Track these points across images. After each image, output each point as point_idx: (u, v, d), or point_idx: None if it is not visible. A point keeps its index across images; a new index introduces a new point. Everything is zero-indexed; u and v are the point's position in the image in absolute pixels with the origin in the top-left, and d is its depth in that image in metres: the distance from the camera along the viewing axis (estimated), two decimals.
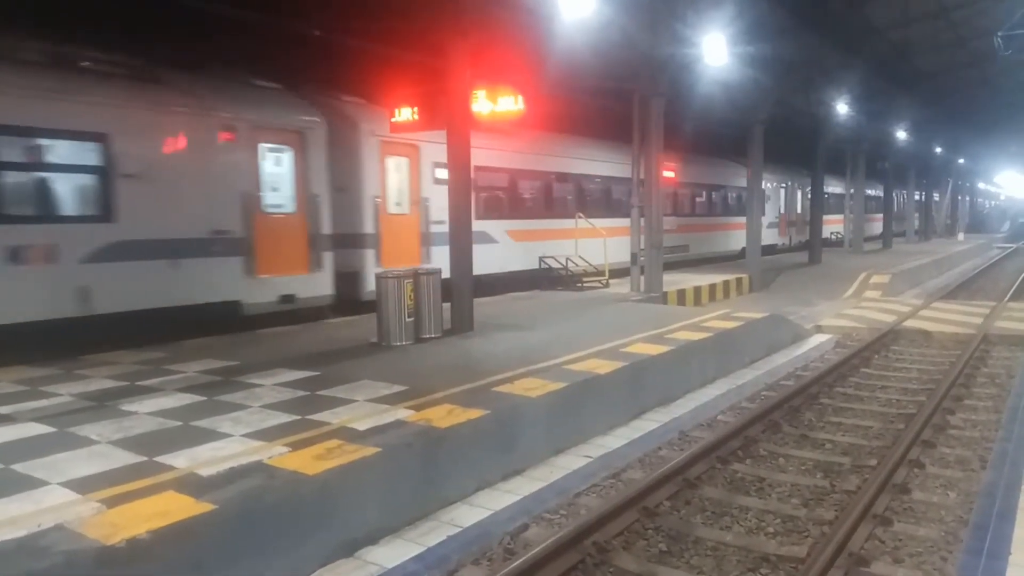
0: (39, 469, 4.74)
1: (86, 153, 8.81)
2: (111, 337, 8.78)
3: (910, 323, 12.76)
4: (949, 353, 10.80)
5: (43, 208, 8.62)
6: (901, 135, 30.20)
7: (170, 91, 9.71)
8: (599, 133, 19.09)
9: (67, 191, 8.88)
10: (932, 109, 31.53)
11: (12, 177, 8.36)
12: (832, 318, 13.62)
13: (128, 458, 4.96)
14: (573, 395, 6.87)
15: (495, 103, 11.98)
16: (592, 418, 6.98)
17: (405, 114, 11.55)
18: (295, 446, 5.16)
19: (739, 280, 18.66)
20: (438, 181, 12.94)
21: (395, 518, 4.92)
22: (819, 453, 6.66)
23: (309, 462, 4.84)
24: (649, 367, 8.12)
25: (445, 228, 10.58)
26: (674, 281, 16.68)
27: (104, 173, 8.90)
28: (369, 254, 12.29)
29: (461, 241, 10.03)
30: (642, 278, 14.86)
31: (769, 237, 27.77)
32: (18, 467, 4.78)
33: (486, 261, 13.64)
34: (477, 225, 12.57)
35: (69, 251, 8.55)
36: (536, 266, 15.44)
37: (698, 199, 24.22)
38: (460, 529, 4.92)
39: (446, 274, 9.85)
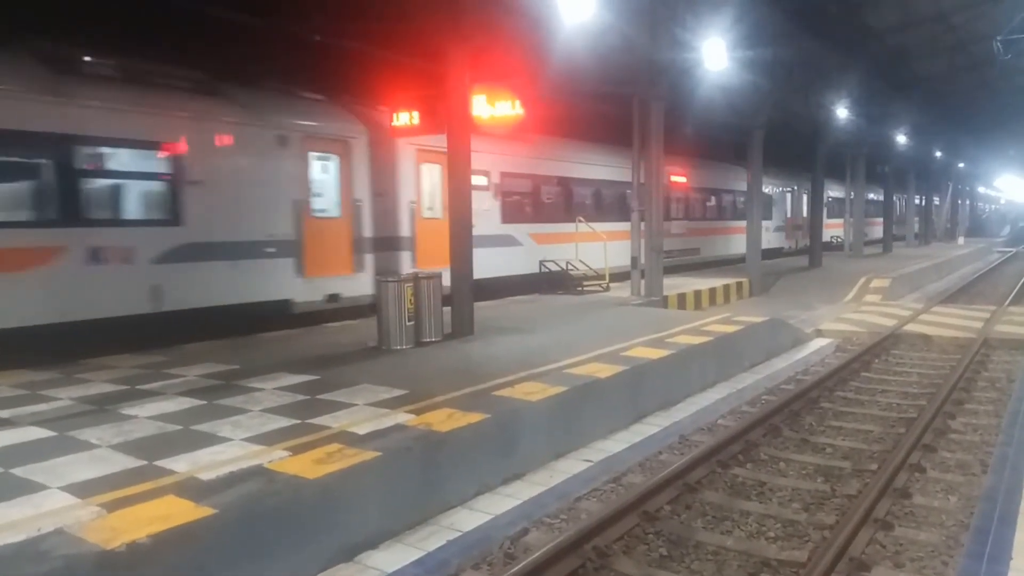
0: (39, 473, 4.74)
1: (157, 162, 9.56)
2: (179, 333, 9.38)
3: (910, 327, 12.76)
4: (949, 357, 10.79)
5: (121, 212, 9.45)
6: (901, 139, 30.22)
7: (231, 104, 10.43)
8: (615, 139, 19.29)
9: (141, 197, 9.64)
10: (931, 113, 31.57)
11: (95, 184, 9.14)
12: (832, 322, 13.61)
13: (128, 462, 4.96)
14: (573, 399, 6.87)
15: (494, 107, 12.00)
16: (592, 422, 6.97)
17: (405, 118, 11.58)
18: (295, 450, 5.16)
19: (739, 284, 18.67)
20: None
21: (395, 522, 4.91)
22: (820, 457, 6.65)
23: (309, 466, 4.84)
24: (649, 371, 8.11)
25: (477, 231, 11.20)
26: (674, 285, 16.68)
27: (173, 180, 9.65)
28: (406, 256, 12.93)
29: (461, 245, 10.04)
30: (642, 282, 14.86)
31: (776, 240, 28.75)
32: (18, 471, 4.78)
33: (511, 264, 14.65)
34: (503, 229, 14.53)
35: (143, 252, 9.25)
36: (560, 268, 15.96)
37: (708, 203, 24.72)
38: (460, 533, 4.91)
39: (477, 276, 10.38)
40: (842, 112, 22.87)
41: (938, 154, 38.56)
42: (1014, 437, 6.78)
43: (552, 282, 15.94)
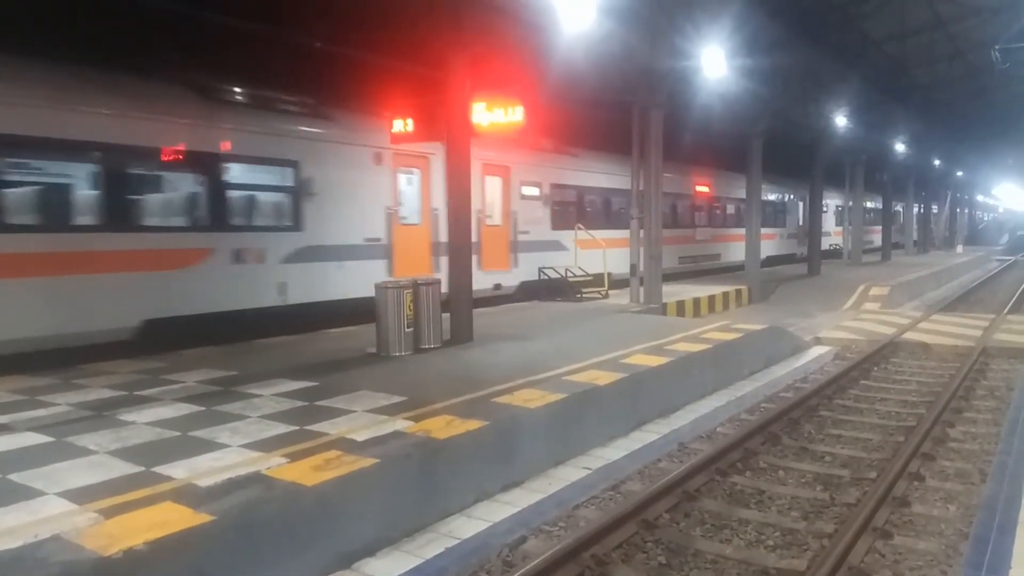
0: (36, 479, 4.73)
1: (284, 176, 11.10)
2: (301, 324, 10.84)
3: (909, 335, 12.76)
4: (948, 366, 10.79)
5: (257, 220, 10.91)
6: (899, 147, 30.30)
7: (337, 126, 11.92)
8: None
9: (271, 207, 11.17)
10: (930, 121, 31.67)
11: (237, 195, 10.62)
12: (831, 330, 13.62)
13: (126, 468, 4.95)
14: (572, 406, 6.86)
15: (494, 114, 12.03)
16: (591, 429, 6.96)
17: (407, 125, 11.60)
18: (293, 457, 5.15)
19: (738, 292, 18.68)
20: (524, 197, 15.78)
21: (393, 530, 4.90)
22: (819, 466, 6.65)
23: (307, 473, 4.83)
24: (648, 378, 8.11)
25: (529, 236, 14.23)
26: (673, 292, 16.70)
27: (295, 193, 11.18)
28: (472, 259, 13.28)
29: (460, 251, 10.04)
30: (641, 289, 14.87)
31: (789, 247, 30.56)
32: (15, 477, 4.77)
33: (559, 267, 16.19)
34: (552, 235, 16.39)
35: (273, 254, 10.79)
36: (598, 270, 16.99)
37: (729, 212, 26.27)
38: (458, 541, 4.89)
39: (525, 277, 12.45)
40: (841, 120, 22.95)
41: (937, 162, 38.65)
42: (1013, 446, 6.77)
43: (548, 289, 15.98)
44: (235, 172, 10.48)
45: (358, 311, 11.06)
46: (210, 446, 5.41)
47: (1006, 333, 12.69)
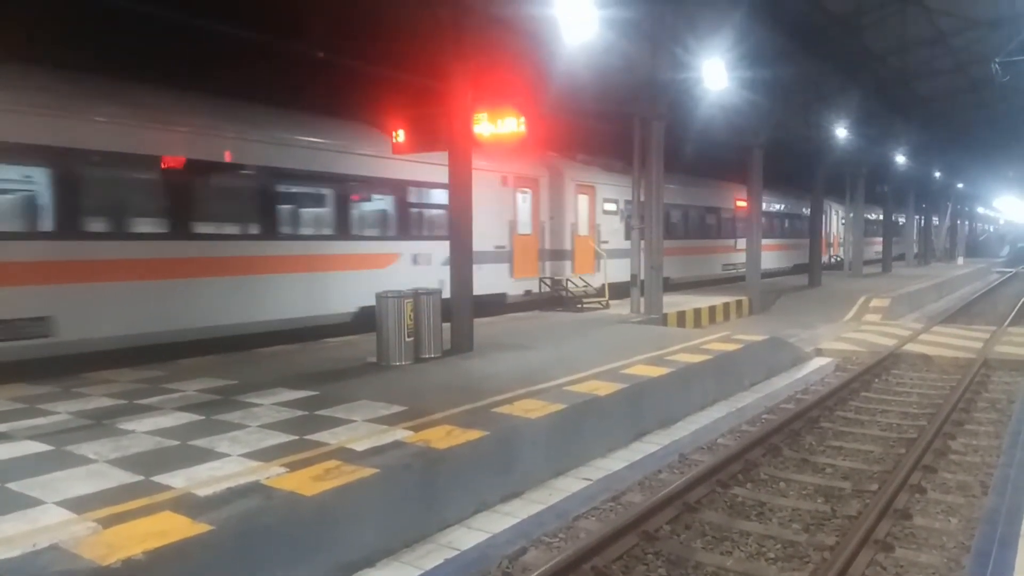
0: (35, 488, 4.72)
1: (444, 197, 12.23)
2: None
3: (910, 347, 12.75)
4: (949, 378, 10.78)
5: (428, 231, 13.58)
6: (900, 159, 30.37)
7: (477, 155, 13.45)
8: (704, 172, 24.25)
9: (434, 220, 13.67)
10: (931, 134, 31.75)
11: (414, 212, 13.48)
12: (832, 341, 13.60)
13: (125, 477, 4.94)
14: (573, 417, 6.85)
15: (496, 125, 12.09)
16: (592, 440, 6.95)
17: (407, 136, 11.62)
18: (293, 466, 5.14)
19: (739, 302, 18.67)
20: (606, 212, 18.80)
21: (393, 540, 4.88)
22: (820, 477, 6.63)
23: (307, 483, 4.82)
24: (649, 389, 8.10)
25: (610, 246, 17.81)
26: (674, 303, 16.70)
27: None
28: (567, 264, 17.24)
29: (461, 261, 10.05)
30: (642, 299, 14.86)
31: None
32: (14, 486, 4.76)
33: (626, 272, 18.15)
34: (624, 244, 18.19)
35: (436, 258, 13.25)
36: (689, 273, 20.59)
37: (772, 223, 28.83)
38: (458, 552, 4.87)
39: (619, 277, 15.95)
40: (842, 132, 23.01)
41: (937, 174, 38.71)
42: (1015, 458, 6.75)
43: (549, 299, 16.05)
44: (413, 194, 13.36)
45: (490, 305, 13.99)
46: (209, 455, 5.40)
47: (1007, 345, 12.68)
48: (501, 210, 15.15)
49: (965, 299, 24.00)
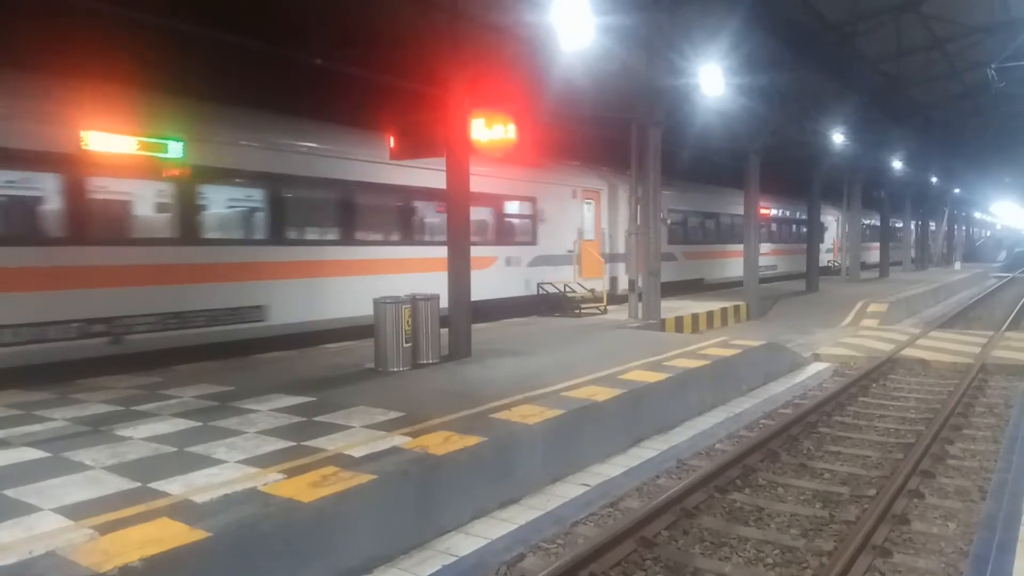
0: (31, 495, 4.70)
1: (529, 208, 16.22)
2: (539, 308, 15.81)
3: (908, 352, 12.76)
4: (947, 382, 10.78)
5: (516, 237, 15.99)
6: (897, 164, 30.45)
7: (553, 172, 16.69)
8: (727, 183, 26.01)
9: (522, 228, 16.21)
10: (927, 139, 31.84)
11: (506, 222, 15.81)
12: (830, 346, 13.61)
13: (122, 484, 4.93)
14: (571, 422, 6.84)
15: (492, 131, 12.09)
16: (590, 446, 6.94)
17: (403, 141, 11.60)
18: (290, 473, 5.13)
19: (737, 308, 18.69)
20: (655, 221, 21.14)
21: (390, 547, 4.88)
22: (818, 483, 6.62)
23: (304, 489, 4.81)
24: (647, 395, 8.10)
25: (664, 250, 18.24)
26: (672, 308, 16.71)
27: (533, 219, 16.33)
28: (622, 266, 18.84)
29: (458, 267, 10.05)
30: (640, 305, 14.87)
31: (823, 260, 33.83)
32: (10, 492, 4.74)
33: (670, 272, 20.97)
34: (668, 248, 20.75)
35: (524, 260, 15.86)
36: (698, 275, 22.17)
37: (783, 229, 31.52)
38: (456, 559, 4.87)
39: (671, 277, 19.88)
40: (838, 138, 23.09)
41: (934, 180, 38.82)
42: (1012, 463, 6.76)
43: (546, 304, 16.05)
44: (507, 206, 15.87)
45: (561, 301, 16.20)
46: (207, 462, 5.39)
47: (1005, 350, 12.69)
48: (571, 219, 17.49)
49: (962, 304, 24.02)
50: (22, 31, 9.39)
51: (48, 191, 8.82)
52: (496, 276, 14.80)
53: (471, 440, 5.94)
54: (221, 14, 10.49)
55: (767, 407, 9.40)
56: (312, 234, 11.88)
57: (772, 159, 21.48)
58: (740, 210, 25.68)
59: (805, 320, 17.97)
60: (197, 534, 4.10)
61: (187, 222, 10.05)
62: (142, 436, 6.11)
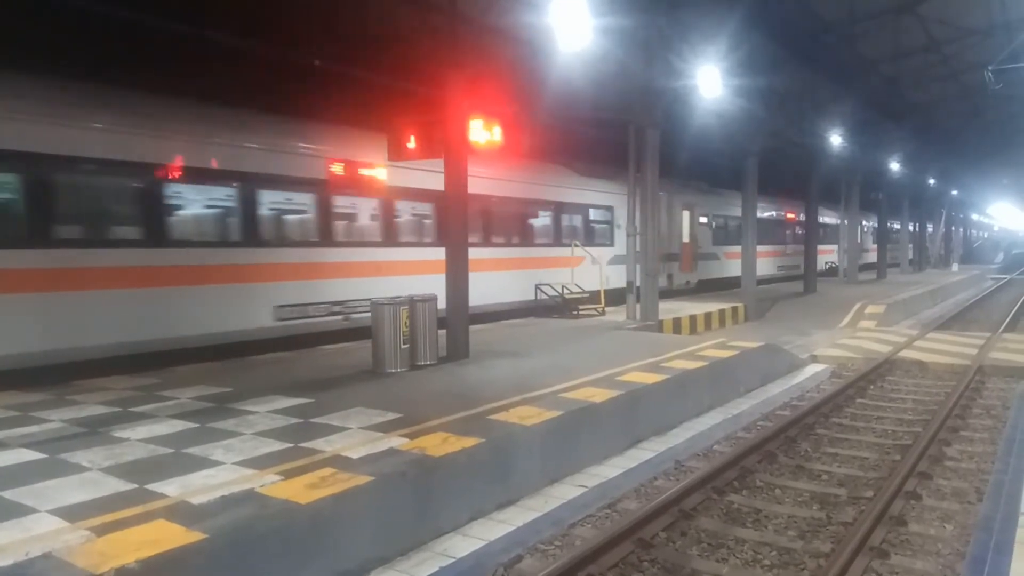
0: (28, 496, 4.70)
1: (607, 215, 19.04)
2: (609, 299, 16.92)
3: (905, 353, 12.77)
4: (944, 384, 10.80)
5: (597, 239, 18.58)
6: (894, 166, 30.48)
7: (623, 184, 16.56)
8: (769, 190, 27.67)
9: (602, 232, 18.95)
10: (925, 141, 31.86)
11: (592, 226, 18.68)
12: (827, 348, 13.63)
13: (119, 485, 4.92)
14: (568, 424, 6.84)
15: (492, 133, 12.09)
16: (587, 447, 6.94)
17: (407, 143, 11.61)
18: (287, 474, 5.12)
19: (735, 309, 18.69)
20: (700, 224, 24.05)
21: (388, 548, 4.87)
22: (815, 484, 6.63)
23: (301, 491, 4.80)
24: (645, 396, 8.10)
25: (702, 250, 23.95)
26: (670, 309, 16.71)
27: (611, 224, 19.07)
28: (675, 265, 22.33)
29: (457, 268, 10.05)
30: (638, 306, 14.87)
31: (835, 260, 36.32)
32: (7, 494, 4.73)
33: (713, 270, 24.95)
34: (711, 249, 24.82)
35: (603, 259, 17.63)
36: (736, 273, 23.27)
37: (792, 232, 33.54)
38: (453, 560, 4.87)
39: (702, 277, 23.91)
40: (836, 140, 23.11)
41: (932, 181, 38.86)
42: (1009, 465, 6.77)
43: (545, 306, 16.09)
44: (592, 213, 18.59)
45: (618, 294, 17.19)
46: (204, 463, 5.39)
47: (1002, 352, 12.71)
48: (672, 225, 21.13)
49: (960, 305, 24.07)
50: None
51: (309, 205, 11.63)
52: (585, 273, 17.13)
53: (469, 441, 5.94)
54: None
55: (765, 408, 9.41)
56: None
57: (766, 161, 21.51)
58: (766, 214, 29.42)
59: (803, 322, 17.99)
60: (194, 536, 4.09)
61: (389, 229, 12.87)
62: (139, 437, 6.10)
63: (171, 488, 4.85)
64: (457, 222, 10.10)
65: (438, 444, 5.86)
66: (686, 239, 22.92)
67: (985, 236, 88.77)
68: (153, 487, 4.87)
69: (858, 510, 5.89)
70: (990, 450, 7.49)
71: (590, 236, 18.26)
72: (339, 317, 11.89)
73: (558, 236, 17.28)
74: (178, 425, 6.53)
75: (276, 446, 5.84)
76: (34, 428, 6.43)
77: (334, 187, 11.85)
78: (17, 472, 5.21)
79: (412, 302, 9.28)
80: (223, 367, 9.48)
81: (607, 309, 16.27)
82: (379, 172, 12.56)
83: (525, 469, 6.19)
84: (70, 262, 8.69)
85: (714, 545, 5.32)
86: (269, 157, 10.98)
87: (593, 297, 16.50)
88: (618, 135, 15.25)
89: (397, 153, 11.40)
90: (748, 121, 18.84)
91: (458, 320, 10.03)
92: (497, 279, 14.97)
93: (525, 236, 16.49)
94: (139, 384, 8.36)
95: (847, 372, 11.77)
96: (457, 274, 10.05)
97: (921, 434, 7.77)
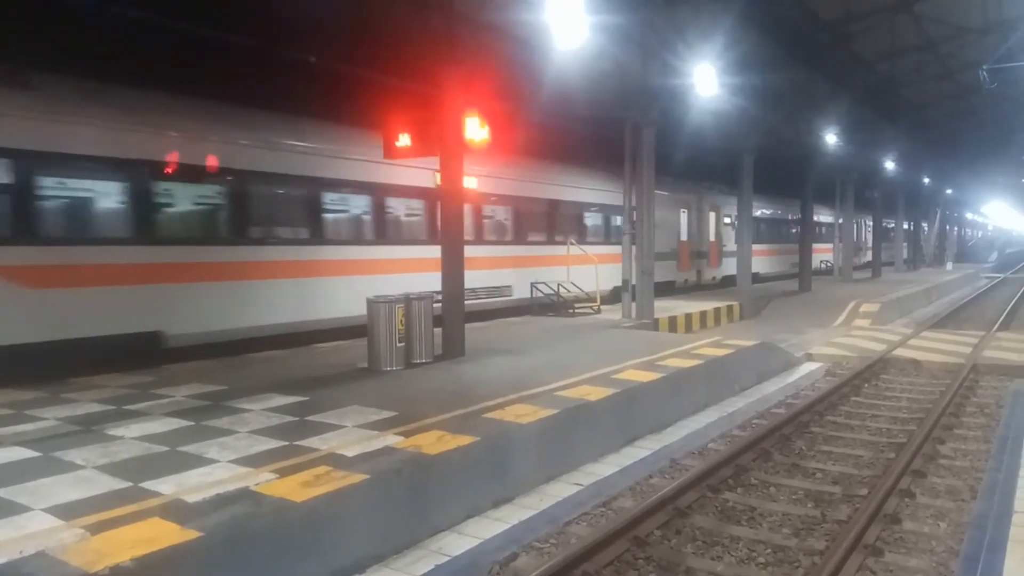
0: (22, 494, 4.68)
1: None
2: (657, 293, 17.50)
3: (900, 352, 12.81)
4: (939, 382, 10.83)
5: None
6: (889, 165, 30.57)
7: (660, 186, 17.70)
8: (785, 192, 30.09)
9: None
10: (919, 140, 31.97)
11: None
12: (822, 346, 13.66)
13: (113, 483, 4.91)
14: (564, 422, 6.85)
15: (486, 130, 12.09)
16: (583, 445, 6.95)
17: (402, 140, 11.59)
18: (283, 472, 5.11)
19: (730, 307, 18.73)
20: (725, 224, 25.94)
21: (383, 547, 4.87)
22: (810, 482, 6.65)
23: (296, 489, 4.80)
24: (640, 394, 8.11)
25: (726, 248, 25.74)
26: (665, 308, 16.74)
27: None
28: (704, 261, 24.63)
29: (452, 266, 10.04)
30: (633, 304, 14.88)
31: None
32: (1, 492, 4.72)
33: (756, 266, 25.82)
34: (734, 247, 24.29)
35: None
36: (771, 270, 27.28)
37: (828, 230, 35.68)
38: (449, 558, 4.86)
39: (726, 273, 25.58)
40: (832, 139, 23.17)
41: (926, 180, 38.98)
42: (1003, 463, 6.79)
43: (541, 304, 16.10)
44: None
45: (661, 289, 18.83)
46: (199, 461, 5.38)
47: (996, 350, 12.76)
48: (673, 224, 22.04)
49: (954, 304, 24.13)
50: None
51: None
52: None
53: (464, 439, 5.94)
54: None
55: (760, 406, 9.43)
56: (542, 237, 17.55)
57: (762, 159, 21.56)
58: (790, 214, 31.55)
59: (798, 320, 18.03)
60: (189, 534, 4.09)
61: (518, 230, 16.36)
62: (134, 435, 6.09)
63: (166, 486, 4.84)
64: (453, 220, 10.08)
65: (433, 442, 5.86)
66: (712, 238, 25.31)
67: (979, 235, 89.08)
68: (148, 485, 4.86)
69: (852, 508, 5.91)
70: (984, 448, 7.52)
71: (605, 232, 20.72)
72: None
73: (608, 235, 19.94)
74: (173, 423, 6.51)
75: (271, 444, 5.84)
76: (28, 426, 6.41)
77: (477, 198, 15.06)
78: (11, 470, 5.19)
79: (408, 300, 9.27)
80: (218, 365, 9.46)
81: (602, 307, 16.28)
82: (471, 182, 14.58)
83: (521, 467, 6.20)
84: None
85: (709, 543, 5.33)
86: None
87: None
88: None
89: (390, 151, 11.37)
90: (744, 119, 18.86)
91: (454, 318, 10.02)
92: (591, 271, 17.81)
93: (586, 235, 19.54)
94: (134, 382, 8.34)
95: (842, 370, 11.80)
96: (453, 271, 10.04)
97: (915, 432, 7.79)
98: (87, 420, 6.61)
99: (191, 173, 10.13)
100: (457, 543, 5.09)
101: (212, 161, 10.38)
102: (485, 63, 11.08)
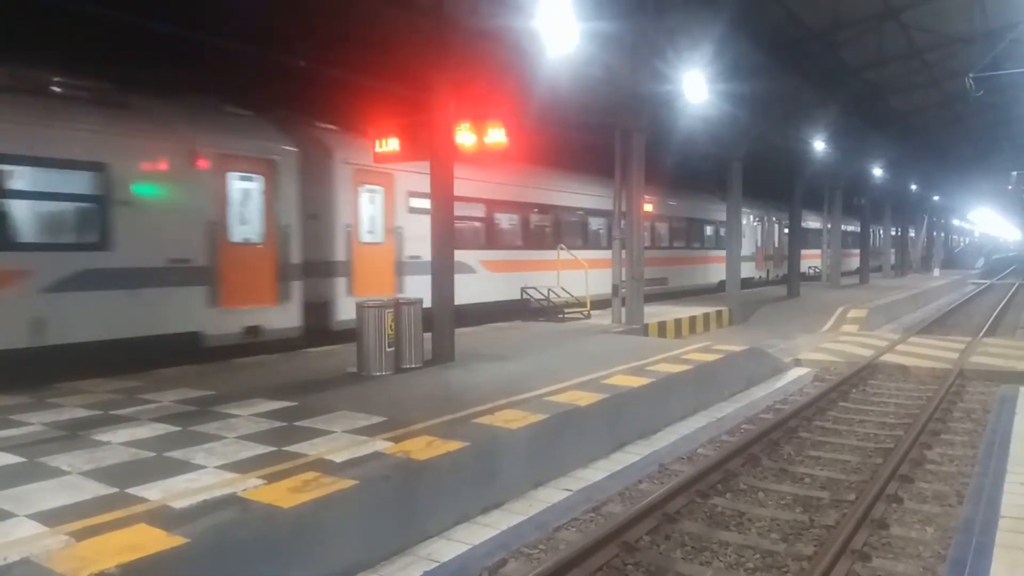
0: (6, 501, 4.63)
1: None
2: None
3: (887, 357, 12.88)
4: (926, 388, 10.90)
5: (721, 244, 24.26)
6: (877, 172, 30.81)
7: (747, 206, 21.94)
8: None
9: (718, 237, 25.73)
10: (907, 147, 32.22)
11: (707, 231, 26.28)
12: (811, 351, 13.72)
13: (99, 489, 4.86)
14: (553, 427, 6.84)
15: (479, 136, 12.10)
16: (572, 451, 6.94)
17: (390, 145, 11.57)
18: (270, 478, 5.08)
19: (719, 313, 18.78)
20: (784, 233, 30.22)
21: (372, 553, 4.85)
22: (798, 487, 6.67)
23: (284, 495, 4.77)
24: (630, 399, 8.12)
25: (784, 251, 29.59)
26: (655, 313, 16.76)
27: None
28: (771, 262, 30.55)
29: (442, 271, 10.03)
30: (623, 310, 14.90)
31: (852, 264, 39.44)
32: None
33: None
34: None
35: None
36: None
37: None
38: (438, 564, 4.85)
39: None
40: (820, 146, 23.33)
41: (913, 187, 39.27)
42: (990, 468, 6.82)
43: (531, 309, 16.12)
44: (708, 226, 25.75)
45: (745, 284, 22.87)
46: (185, 467, 5.34)
47: (982, 356, 12.85)
48: (752, 233, 27.27)
49: (941, 310, 24.31)
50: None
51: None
52: (713, 271, 23.70)
53: (453, 445, 5.93)
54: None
55: (749, 412, 9.45)
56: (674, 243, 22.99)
57: (751, 166, 21.67)
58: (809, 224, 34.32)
59: (786, 325, 18.10)
60: (175, 540, 4.05)
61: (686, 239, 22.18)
62: (120, 441, 6.04)
63: (152, 492, 4.80)
64: (443, 225, 10.07)
65: (423, 448, 5.84)
66: (776, 244, 31.28)
67: (966, 241, 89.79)
68: (134, 491, 4.81)
69: (840, 513, 5.93)
70: (971, 453, 7.56)
71: (713, 241, 26.03)
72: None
73: (701, 241, 25.27)
74: (160, 428, 6.47)
75: (259, 450, 5.80)
76: (13, 431, 6.34)
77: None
78: None
79: (397, 304, 9.24)
80: (206, 369, 9.40)
81: (592, 312, 16.30)
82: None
83: (510, 472, 6.18)
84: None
85: (698, 548, 5.33)
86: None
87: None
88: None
89: (380, 156, 11.36)
90: (733, 126, 18.94)
91: (444, 323, 10.01)
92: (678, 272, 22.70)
93: (695, 240, 25.24)
94: (120, 387, 8.28)
95: (830, 376, 11.85)
96: (442, 277, 10.03)
97: (903, 437, 7.83)
98: (73, 425, 6.55)
99: None
100: (446, 549, 5.07)
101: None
102: (476, 68, 11.10)
